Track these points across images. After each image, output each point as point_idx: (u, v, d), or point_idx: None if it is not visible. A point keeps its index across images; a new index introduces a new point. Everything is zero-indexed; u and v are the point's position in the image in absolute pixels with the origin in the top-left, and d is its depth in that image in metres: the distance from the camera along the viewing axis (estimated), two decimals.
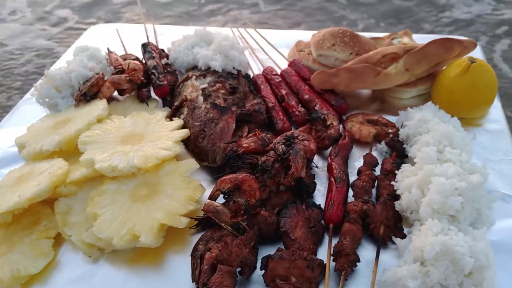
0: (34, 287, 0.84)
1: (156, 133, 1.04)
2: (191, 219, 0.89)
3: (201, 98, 1.11)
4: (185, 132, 1.03)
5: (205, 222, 0.90)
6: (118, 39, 1.57)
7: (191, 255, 0.85)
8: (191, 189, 0.93)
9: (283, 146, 0.96)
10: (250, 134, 1.01)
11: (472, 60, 1.07)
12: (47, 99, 1.27)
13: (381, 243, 0.84)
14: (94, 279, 0.84)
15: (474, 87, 1.08)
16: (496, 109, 1.15)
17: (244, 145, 0.98)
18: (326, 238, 0.87)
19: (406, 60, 1.13)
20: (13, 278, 0.82)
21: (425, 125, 1.00)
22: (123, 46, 1.53)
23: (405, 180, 0.90)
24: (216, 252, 0.81)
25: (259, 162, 0.93)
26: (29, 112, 1.29)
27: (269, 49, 1.42)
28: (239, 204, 0.87)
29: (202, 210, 0.88)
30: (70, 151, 1.05)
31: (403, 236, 0.85)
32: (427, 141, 0.95)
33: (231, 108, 1.08)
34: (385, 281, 0.78)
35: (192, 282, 0.81)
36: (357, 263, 0.80)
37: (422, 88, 1.19)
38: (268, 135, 1.01)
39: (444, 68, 1.16)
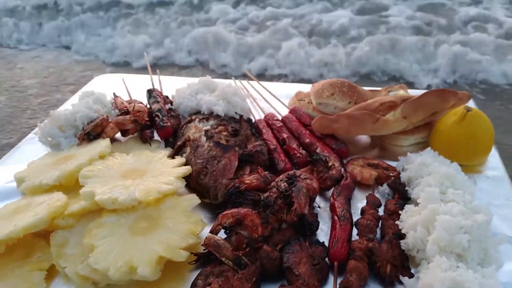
0: None
1: (158, 169, 1.04)
2: (191, 253, 0.86)
3: (204, 138, 1.12)
4: (187, 169, 1.03)
5: (205, 257, 0.87)
6: (124, 87, 1.62)
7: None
8: (192, 223, 0.91)
9: (285, 183, 0.96)
10: (252, 173, 1.01)
11: (468, 109, 1.11)
12: (49, 138, 1.28)
13: (389, 283, 0.81)
14: None
15: (472, 135, 1.11)
16: (494, 157, 1.17)
17: (247, 181, 0.97)
18: (331, 277, 0.84)
19: (404, 108, 1.17)
20: None
21: (426, 168, 1.01)
22: (129, 93, 1.57)
23: (410, 219, 0.89)
24: (216, 287, 0.78)
25: (262, 197, 0.92)
26: (30, 150, 1.29)
27: (270, 98, 1.47)
28: (241, 237, 0.85)
29: (202, 244, 0.86)
30: (70, 186, 1.03)
31: (411, 276, 0.82)
32: (429, 182, 0.96)
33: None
34: None
35: None
36: None
37: (420, 136, 1.22)
38: (270, 174, 1.01)
39: (441, 117, 1.20)
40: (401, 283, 0.82)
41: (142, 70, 2.26)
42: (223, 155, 1.04)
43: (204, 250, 0.87)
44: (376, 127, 1.17)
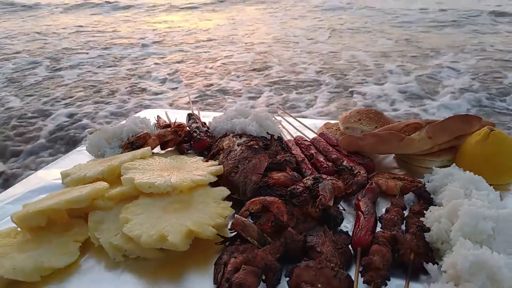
0: (52, 284, 0.83)
1: (193, 167, 1.11)
2: (218, 235, 0.90)
3: (237, 146, 1.20)
4: (219, 167, 1.10)
5: (231, 239, 0.90)
6: (167, 118, 1.76)
7: (215, 264, 0.83)
8: (221, 208, 0.96)
9: (312, 181, 1.01)
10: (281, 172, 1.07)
11: (492, 129, 1.15)
12: (96, 148, 1.40)
13: (412, 270, 0.81)
14: (111, 285, 0.82)
15: (496, 153, 1.13)
16: None
17: (275, 177, 1.03)
18: (353, 267, 0.85)
19: (429, 129, 1.22)
20: (35, 268, 0.82)
21: (451, 177, 1.04)
22: (170, 122, 1.70)
23: (434, 214, 0.90)
24: (241, 258, 0.80)
25: (289, 188, 0.97)
26: (78, 159, 1.40)
27: (300, 128, 1.55)
28: (267, 220, 0.88)
29: (230, 227, 0.90)
30: (112, 181, 1.12)
31: (435, 263, 0.81)
32: (453, 186, 0.97)
33: None
34: None
35: (214, 284, 0.78)
36: (388, 282, 0.76)
37: (445, 158, 1.24)
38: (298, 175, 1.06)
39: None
40: (425, 272, 0.81)
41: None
42: (254, 156, 1.11)
43: (231, 232, 0.90)
44: (402, 145, 1.21)
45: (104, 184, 1.03)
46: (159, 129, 1.47)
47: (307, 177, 1.04)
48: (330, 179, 1.03)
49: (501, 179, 1.15)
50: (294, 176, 1.05)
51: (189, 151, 1.36)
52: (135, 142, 1.33)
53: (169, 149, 1.38)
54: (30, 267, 0.82)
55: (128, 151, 1.31)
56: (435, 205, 1.01)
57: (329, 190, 0.98)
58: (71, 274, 0.85)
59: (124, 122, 1.50)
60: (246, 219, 0.89)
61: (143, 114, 1.95)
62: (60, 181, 1.22)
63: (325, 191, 0.96)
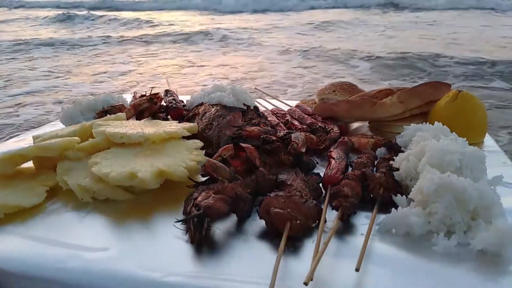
0: (15, 222, 0.80)
1: (169, 125, 1.11)
2: (189, 179, 0.89)
3: (211, 108, 1.21)
4: (193, 124, 1.10)
5: (203, 183, 0.89)
6: None
7: (185, 200, 0.82)
8: (194, 155, 0.95)
9: (285, 132, 1.02)
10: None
11: (460, 90, 1.19)
12: (70, 120, 1.38)
13: (381, 202, 0.81)
14: (77, 227, 0.80)
15: (465, 112, 1.16)
16: (488, 140, 1.20)
17: (249, 129, 1.03)
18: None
19: (400, 94, 1.25)
20: (0, 206, 0.80)
21: (420, 131, 1.06)
22: None
23: (403, 155, 0.91)
24: (210, 192, 0.79)
25: (262, 136, 0.97)
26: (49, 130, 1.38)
27: (277, 105, 1.57)
28: (238, 161, 0.88)
29: (201, 169, 0.89)
30: (84, 140, 1.10)
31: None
32: (421, 134, 0.99)
33: None
34: (386, 224, 0.74)
35: (183, 214, 0.77)
36: (356, 211, 0.77)
37: (416, 123, 1.27)
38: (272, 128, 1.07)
39: None
40: (394, 205, 0.81)
41: None
42: (228, 113, 1.11)
43: (204, 177, 0.90)
44: (374, 110, 1.24)
45: (76, 138, 1.01)
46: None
47: (279, 130, 1.04)
48: (303, 132, 1.04)
49: (471, 138, 1.17)
50: (267, 129, 1.05)
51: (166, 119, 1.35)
52: (110, 111, 1.32)
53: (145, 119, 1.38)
54: None
55: None
56: None
57: (301, 139, 0.98)
58: (35, 214, 0.83)
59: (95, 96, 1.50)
60: (217, 162, 0.89)
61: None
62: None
63: (297, 139, 0.97)
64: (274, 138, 0.97)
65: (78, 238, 0.75)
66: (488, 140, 1.21)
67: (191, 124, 1.10)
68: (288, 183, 0.82)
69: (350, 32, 7.23)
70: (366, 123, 1.37)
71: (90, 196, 0.86)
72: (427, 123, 1.17)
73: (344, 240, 0.72)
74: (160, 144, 0.99)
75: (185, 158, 0.92)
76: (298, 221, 0.70)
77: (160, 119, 1.32)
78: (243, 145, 0.94)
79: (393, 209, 0.75)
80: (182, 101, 1.55)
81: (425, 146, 0.88)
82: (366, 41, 6.32)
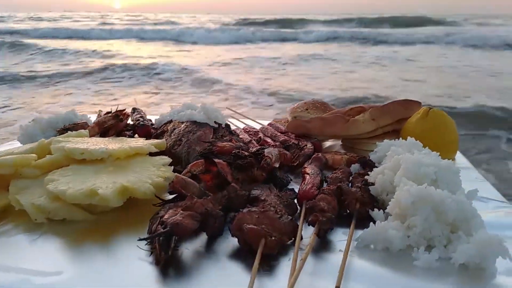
0: None
1: (134, 142, 1.05)
2: (156, 197, 0.83)
3: (181, 124, 1.16)
4: (161, 140, 1.05)
5: (171, 202, 0.83)
6: None
7: (151, 219, 0.76)
8: (161, 171, 0.90)
9: (257, 148, 0.98)
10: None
11: (430, 107, 1.20)
12: (29, 138, 1.29)
13: (358, 217, 0.78)
14: (29, 250, 0.72)
15: (436, 129, 1.17)
16: (459, 157, 1.21)
17: (220, 145, 0.99)
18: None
19: (372, 111, 1.25)
20: None
21: (394, 147, 1.05)
22: None
23: (378, 169, 0.89)
24: (178, 209, 0.74)
25: (233, 151, 0.93)
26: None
27: (249, 124, 1.53)
28: (208, 176, 0.83)
29: (169, 186, 0.84)
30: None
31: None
32: (395, 149, 0.98)
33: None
34: (364, 239, 0.70)
35: (148, 233, 0.71)
36: (332, 228, 0.73)
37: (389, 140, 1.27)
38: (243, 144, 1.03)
39: None
40: (370, 220, 0.78)
41: None
42: (199, 129, 1.07)
43: (171, 194, 0.84)
44: (347, 127, 1.23)
45: (32, 155, 0.93)
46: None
47: (252, 146, 1.01)
48: (276, 148, 1.01)
49: (443, 155, 1.17)
50: (239, 145, 1.01)
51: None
52: (71, 129, 1.24)
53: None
54: None
55: None
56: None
57: (275, 154, 0.95)
58: None
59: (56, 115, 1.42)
60: (187, 178, 0.84)
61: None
62: None
63: (271, 153, 0.93)
64: (246, 153, 0.94)
65: (29, 262, 0.68)
66: (459, 157, 1.22)
67: (159, 140, 1.05)
68: (262, 198, 0.78)
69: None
70: (339, 141, 1.36)
71: (45, 216, 0.78)
72: (400, 139, 1.17)
73: (321, 257, 0.68)
74: (125, 160, 0.93)
75: (151, 174, 0.87)
76: (273, 238, 0.66)
77: (126, 137, 1.26)
78: (214, 160, 0.89)
79: (371, 223, 0.72)
80: (150, 120, 1.50)
81: (400, 160, 0.86)
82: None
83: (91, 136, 1.24)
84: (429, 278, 0.63)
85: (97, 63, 7.89)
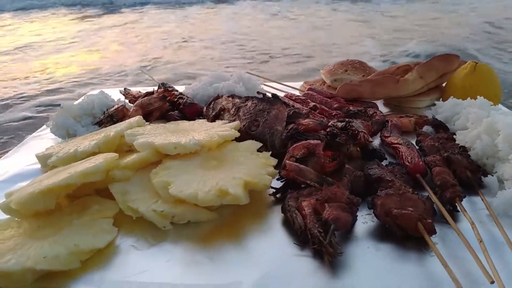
0: (95, 269, 0.66)
1: (205, 128, 0.99)
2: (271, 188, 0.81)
3: (243, 103, 1.11)
4: (237, 123, 1.00)
5: (284, 188, 0.82)
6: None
7: (283, 211, 0.75)
8: (263, 158, 0.87)
9: (341, 123, 0.97)
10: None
11: (476, 62, 1.23)
12: (63, 129, 1.18)
13: (476, 184, 0.81)
14: (166, 257, 0.69)
15: (484, 83, 1.21)
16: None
17: (304, 123, 0.97)
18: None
19: (418, 69, 1.27)
20: (71, 253, 0.65)
21: (459, 106, 1.08)
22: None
23: (469, 134, 0.93)
24: (314, 200, 0.73)
25: (327, 130, 0.92)
26: (39, 145, 1.16)
27: (281, 88, 1.50)
28: (320, 162, 0.82)
29: (281, 173, 0.82)
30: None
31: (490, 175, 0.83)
32: (469, 111, 1.01)
33: None
34: (496, 208, 0.74)
35: (297, 231, 0.70)
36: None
37: (434, 97, 1.30)
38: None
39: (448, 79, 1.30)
40: (481, 186, 0.83)
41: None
42: (272, 107, 1.03)
43: (281, 181, 0.83)
44: (398, 87, 1.24)
45: (113, 154, 0.86)
46: (131, 103, 1.30)
47: (333, 121, 0.99)
48: (356, 120, 1.00)
49: None
50: (321, 121, 1.00)
51: (178, 118, 1.21)
52: (115, 115, 1.15)
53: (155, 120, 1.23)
54: (64, 253, 0.65)
55: (110, 125, 1.13)
56: (454, 133, 1.04)
57: (363, 128, 0.95)
58: (111, 256, 0.69)
59: (86, 98, 1.30)
60: (298, 164, 0.82)
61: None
62: (35, 166, 1.01)
63: (361, 128, 0.93)
64: (336, 130, 0.93)
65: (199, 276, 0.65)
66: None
67: (235, 123, 1.00)
68: (388, 178, 0.78)
69: None
70: (382, 100, 1.37)
71: (169, 221, 0.74)
72: (445, 98, 1.20)
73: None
74: (217, 151, 0.89)
75: (259, 163, 0.84)
76: (429, 220, 0.68)
77: (174, 119, 1.19)
78: (313, 142, 0.87)
79: (499, 192, 0.76)
80: (183, 94, 1.42)
81: (491, 124, 0.89)
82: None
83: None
84: None
85: None
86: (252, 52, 3.80)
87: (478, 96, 1.08)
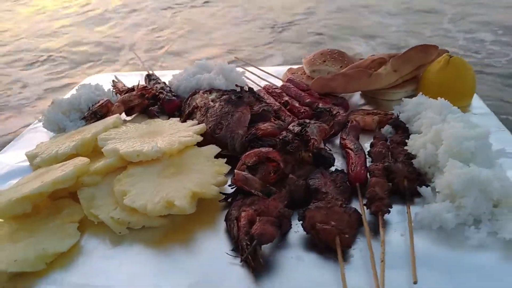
0: (58, 270, 0.79)
1: (174, 129, 1.07)
2: (219, 193, 0.90)
3: (211, 103, 1.17)
4: (202, 126, 1.08)
5: (233, 194, 0.90)
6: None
7: (225, 220, 0.84)
8: (217, 165, 0.95)
9: (298, 127, 1.02)
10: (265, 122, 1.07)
11: (450, 55, 1.23)
12: (54, 124, 1.29)
13: (409, 196, 0.87)
14: (121, 260, 0.80)
15: (456, 77, 1.22)
16: (476, 100, 1.28)
17: (262, 128, 1.03)
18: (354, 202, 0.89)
19: (393, 62, 1.28)
20: (38, 256, 0.77)
21: (422, 105, 1.10)
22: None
23: (417, 141, 0.96)
24: (252, 210, 0.81)
25: (280, 137, 0.98)
26: (34, 138, 1.29)
27: (264, 76, 1.54)
28: (266, 170, 0.90)
29: (231, 181, 0.90)
30: (87, 155, 1.04)
31: (427, 185, 0.88)
32: (427, 114, 1.04)
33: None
34: (420, 221, 0.80)
35: (233, 240, 0.79)
36: (390, 209, 0.82)
37: (409, 89, 1.32)
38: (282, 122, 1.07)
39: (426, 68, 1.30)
40: (418, 195, 0.88)
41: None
42: (236, 109, 1.09)
43: (232, 187, 0.91)
44: (371, 81, 1.26)
45: (85, 160, 0.96)
46: (118, 94, 1.38)
47: (292, 124, 1.05)
48: (315, 123, 1.05)
49: (462, 102, 1.24)
50: (280, 124, 1.05)
51: (157, 114, 1.29)
52: (98, 112, 1.25)
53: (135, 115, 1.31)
54: (32, 256, 0.77)
55: (93, 122, 1.23)
56: (411, 134, 1.08)
57: (318, 133, 1.00)
58: (74, 258, 0.81)
59: (74, 92, 1.39)
60: (246, 173, 0.89)
61: (87, 81, 1.82)
62: (26, 164, 1.13)
63: (314, 134, 0.99)
64: (290, 135, 0.98)
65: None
66: (476, 100, 1.28)
67: (200, 126, 1.07)
68: (323, 190, 0.85)
69: None
70: (359, 92, 1.40)
71: (126, 227, 0.85)
72: (419, 91, 1.21)
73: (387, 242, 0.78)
74: (178, 157, 0.97)
75: (211, 172, 0.92)
76: (346, 235, 0.75)
77: (154, 114, 1.27)
78: (265, 150, 0.94)
79: (425, 205, 0.81)
80: (168, 87, 1.48)
81: (439, 133, 0.93)
82: None
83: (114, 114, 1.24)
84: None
85: None
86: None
87: (439, 98, 1.09)
